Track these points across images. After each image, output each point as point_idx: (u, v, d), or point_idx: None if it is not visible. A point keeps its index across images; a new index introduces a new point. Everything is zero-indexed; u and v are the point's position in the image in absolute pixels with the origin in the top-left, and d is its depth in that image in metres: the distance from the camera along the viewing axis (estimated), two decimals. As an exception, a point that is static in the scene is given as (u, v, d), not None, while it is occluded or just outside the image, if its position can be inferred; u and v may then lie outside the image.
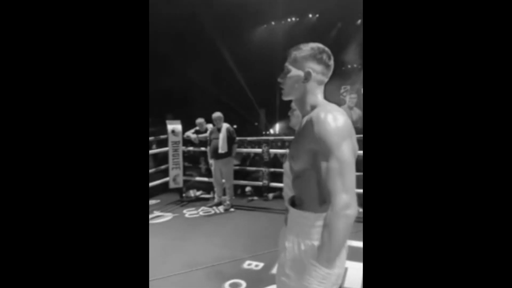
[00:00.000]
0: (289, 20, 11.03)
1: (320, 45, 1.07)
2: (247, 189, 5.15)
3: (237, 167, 5.03)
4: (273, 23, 11.25)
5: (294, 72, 1.05)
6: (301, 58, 1.04)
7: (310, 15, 10.80)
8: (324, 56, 1.05)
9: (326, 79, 1.08)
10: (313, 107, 1.04)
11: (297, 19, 11.00)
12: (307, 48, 1.05)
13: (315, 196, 0.99)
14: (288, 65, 1.07)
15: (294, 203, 1.09)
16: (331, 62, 1.07)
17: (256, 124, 13.12)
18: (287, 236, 1.07)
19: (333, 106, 1.01)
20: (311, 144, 0.94)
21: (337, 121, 0.92)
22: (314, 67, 1.04)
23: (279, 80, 1.09)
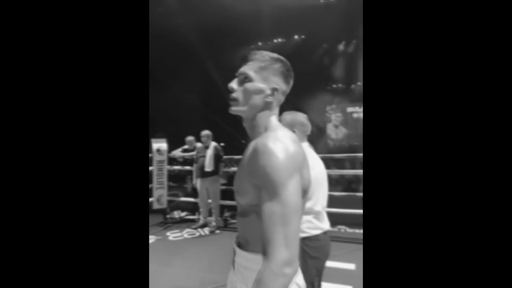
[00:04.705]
0: (275, 40, 11.25)
1: (287, 61, 0.91)
2: (226, 214, 4.87)
3: (223, 187, 4.93)
4: (259, 43, 11.44)
5: (257, 83, 0.86)
6: (269, 70, 0.87)
7: (296, 36, 11.05)
8: (289, 76, 0.91)
9: (283, 101, 0.94)
10: (265, 130, 0.88)
11: (284, 40, 11.23)
12: (275, 59, 0.89)
13: None
14: (249, 72, 0.87)
15: (240, 243, 0.93)
16: (292, 83, 0.93)
17: (243, 142, 13.10)
18: (234, 284, 0.93)
19: (285, 133, 0.85)
20: (256, 179, 0.78)
21: (286, 152, 0.77)
22: (281, 85, 0.89)
23: (231, 86, 0.88)
